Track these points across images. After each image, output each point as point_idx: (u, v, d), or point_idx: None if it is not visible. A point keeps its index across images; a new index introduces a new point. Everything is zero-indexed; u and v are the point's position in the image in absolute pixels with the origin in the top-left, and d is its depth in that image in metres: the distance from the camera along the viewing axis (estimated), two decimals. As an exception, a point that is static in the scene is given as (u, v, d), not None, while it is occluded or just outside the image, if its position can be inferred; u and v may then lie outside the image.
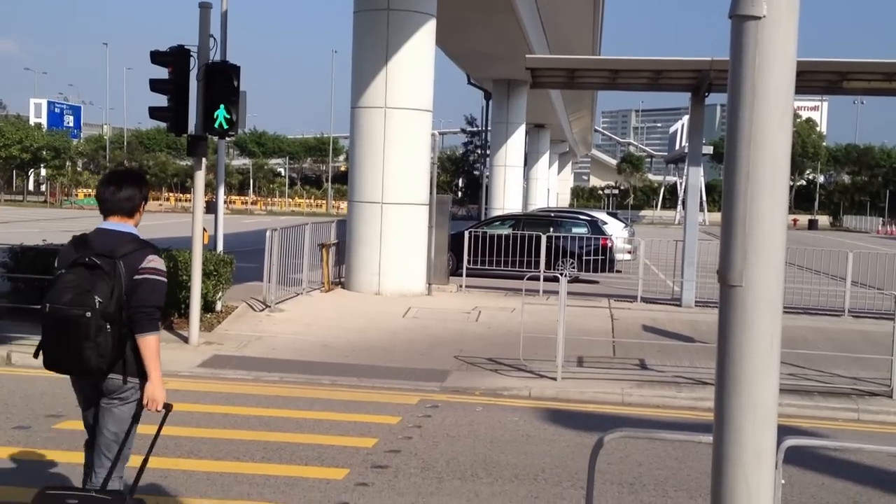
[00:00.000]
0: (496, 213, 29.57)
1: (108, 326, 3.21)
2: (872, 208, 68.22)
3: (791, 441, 3.12)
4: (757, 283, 2.00)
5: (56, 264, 3.40)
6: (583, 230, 17.25)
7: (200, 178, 9.12)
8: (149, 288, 3.35)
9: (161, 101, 8.73)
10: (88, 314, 3.17)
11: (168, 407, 3.48)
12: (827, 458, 5.75)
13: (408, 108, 13.06)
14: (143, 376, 3.41)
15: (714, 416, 2.12)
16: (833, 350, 9.35)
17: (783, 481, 2.81)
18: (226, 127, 8.63)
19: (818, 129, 74.90)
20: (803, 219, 63.85)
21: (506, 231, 16.54)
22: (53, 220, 34.04)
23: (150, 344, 3.36)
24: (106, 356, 3.23)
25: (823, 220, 66.58)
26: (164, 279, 3.45)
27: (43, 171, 61.21)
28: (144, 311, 3.34)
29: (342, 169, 70.41)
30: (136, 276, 3.33)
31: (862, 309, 12.53)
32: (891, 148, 74.66)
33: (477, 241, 15.43)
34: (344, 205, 35.42)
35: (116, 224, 3.45)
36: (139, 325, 3.33)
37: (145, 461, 3.44)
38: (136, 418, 3.47)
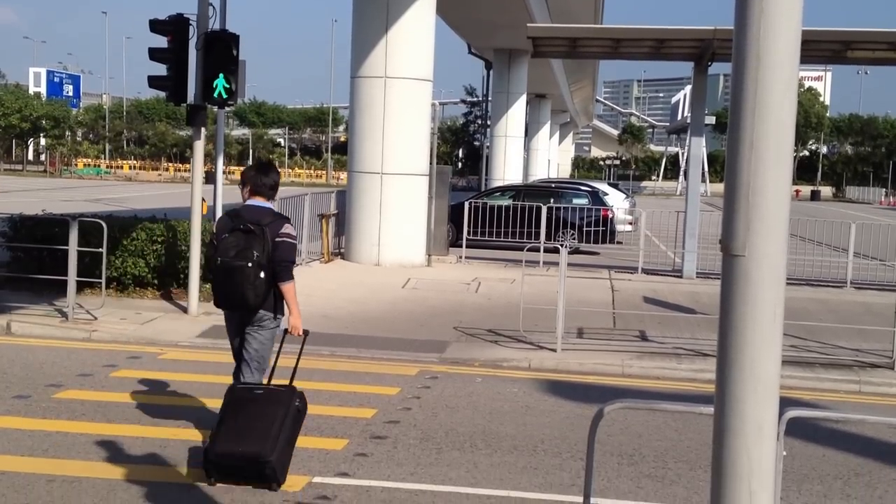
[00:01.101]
0: (496, 183, 29.43)
1: (262, 274, 4.40)
2: (875, 179, 67.91)
3: (793, 412, 3.10)
4: (760, 253, 1.99)
5: (215, 230, 4.70)
6: (583, 201, 17.16)
7: (200, 148, 9.03)
8: (285, 248, 4.52)
9: (160, 70, 8.63)
10: (249, 265, 4.37)
11: (306, 332, 4.62)
12: (828, 429, 5.76)
13: (408, 77, 12.89)
14: (279, 311, 4.61)
15: (715, 387, 2.11)
16: (835, 322, 9.34)
17: (784, 453, 2.79)
18: (225, 96, 8.52)
19: (821, 99, 74.22)
20: (806, 189, 63.59)
21: (506, 202, 16.45)
22: (53, 190, 33.93)
23: (289, 288, 4.55)
24: (261, 296, 4.43)
25: (826, 190, 66.32)
26: (296, 242, 4.66)
27: (42, 141, 60.88)
28: (284, 265, 4.50)
29: (342, 139, 70.00)
30: (276, 239, 4.48)
31: (864, 280, 12.51)
32: (894, 118, 74.05)
33: (477, 211, 15.35)
34: (344, 175, 35.24)
35: (260, 202, 4.65)
36: (280, 275, 4.50)
37: (295, 367, 4.70)
38: (272, 334, 4.64)
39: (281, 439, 4.26)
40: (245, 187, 4.68)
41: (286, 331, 4.62)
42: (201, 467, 4.41)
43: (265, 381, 4.63)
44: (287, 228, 4.57)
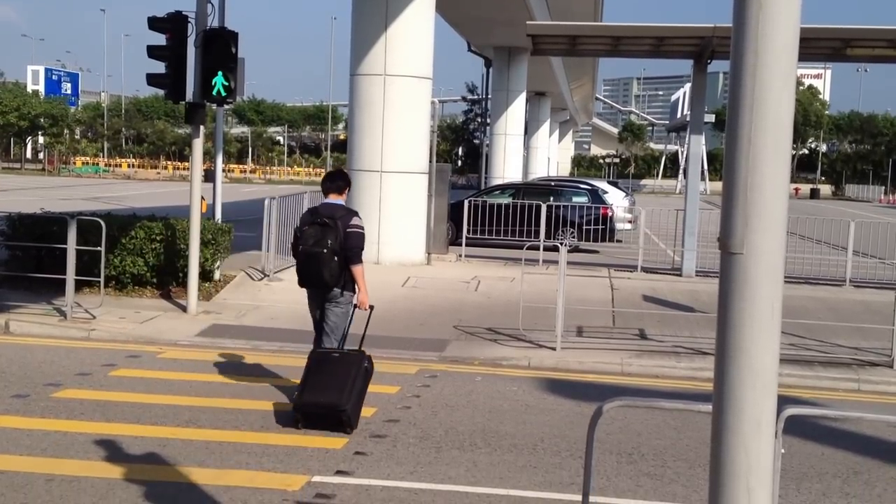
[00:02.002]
0: (496, 182, 29.41)
1: (335, 258, 5.41)
2: (875, 177, 67.89)
3: (791, 410, 3.09)
4: (758, 251, 1.99)
5: (299, 224, 5.70)
6: (583, 199, 17.14)
7: (199, 146, 9.01)
8: (355, 237, 5.52)
9: (159, 67, 8.61)
10: (324, 251, 5.39)
11: (372, 307, 5.61)
12: (827, 427, 5.76)
13: (407, 75, 12.87)
14: (350, 290, 5.58)
15: (714, 384, 2.11)
16: (834, 320, 9.34)
17: (783, 451, 2.79)
18: (224, 94, 8.50)
19: (821, 96, 74.18)
20: (805, 188, 63.57)
21: (506, 200, 16.43)
22: (51, 189, 33.89)
23: (358, 270, 5.54)
24: (334, 276, 5.46)
25: (825, 189, 66.30)
26: (363, 231, 5.59)
27: (41, 139, 60.82)
28: (353, 251, 5.51)
29: (341, 137, 69.93)
30: (347, 230, 5.49)
31: (863, 278, 12.50)
32: (894, 116, 74.02)
33: (477, 210, 15.33)
34: (343, 173, 35.19)
35: (333, 200, 5.69)
36: (350, 259, 5.51)
37: (363, 335, 5.69)
38: (347, 310, 5.63)
39: (354, 392, 5.26)
40: (322, 190, 5.85)
41: (355, 306, 5.62)
42: (290, 417, 5.36)
43: (340, 347, 5.63)
44: (356, 221, 5.57)
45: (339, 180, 5.78)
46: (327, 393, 5.22)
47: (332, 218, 5.48)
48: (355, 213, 5.64)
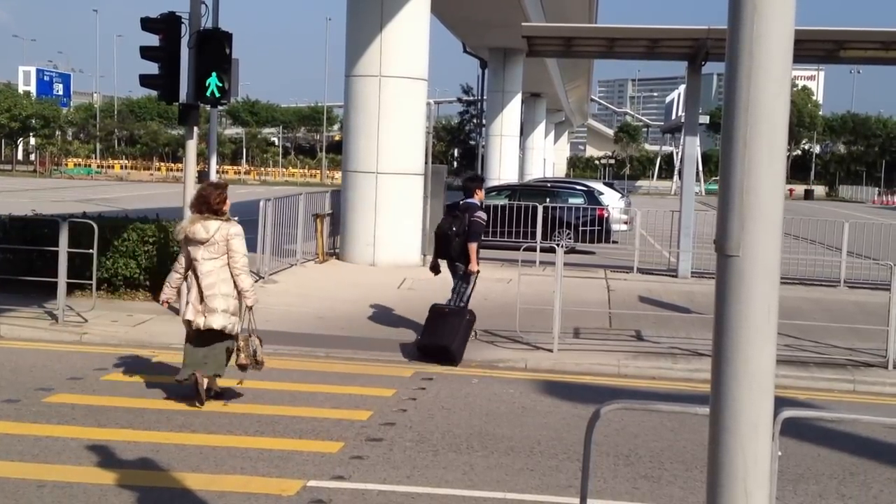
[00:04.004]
0: (492, 183, 29.37)
1: (457, 239, 7.61)
2: (868, 178, 68.18)
3: (788, 413, 3.07)
4: (754, 253, 1.99)
5: (444, 215, 8.86)
6: (579, 201, 17.14)
7: (192, 147, 8.96)
8: (475, 224, 7.68)
9: (152, 68, 8.56)
10: (450, 233, 7.66)
11: (478, 272, 7.79)
12: (823, 429, 5.75)
13: (403, 76, 12.84)
14: (467, 262, 7.68)
15: (711, 386, 2.11)
16: (829, 321, 9.34)
17: (780, 453, 2.77)
18: (218, 95, 8.46)
19: (814, 98, 74.46)
20: (799, 189, 63.77)
21: (502, 202, 16.41)
22: (43, 190, 33.73)
23: (472, 246, 7.61)
24: (456, 252, 7.67)
25: (819, 190, 66.54)
26: (483, 222, 7.73)
27: (32, 141, 60.53)
28: (472, 234, 7.63)
29: (336, 138, 69.81)
30: (471, 219, 7.66)
31: (858, 279, 12.53)
32: (887, 117, 74.37)
33: (472, 211, 15.29)
34: (338, 175, 35.18)
35: (470, 199, 7.83)
36: (468, 238, 7.62)
37: (469, 296, 7.86)
38: (468, 280, 7.78)
39: (459, 336, 7.28)
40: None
41: (477, 272, 7.77)
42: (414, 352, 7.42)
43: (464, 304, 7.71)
44: (479, 214, 7.70)
45: (473, 182, 8.11)
46: (439, 337, 7.28)
47: (463, 210, 7.74)
48: (480, 208, 7.78)
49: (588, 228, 16.30)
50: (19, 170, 56.09)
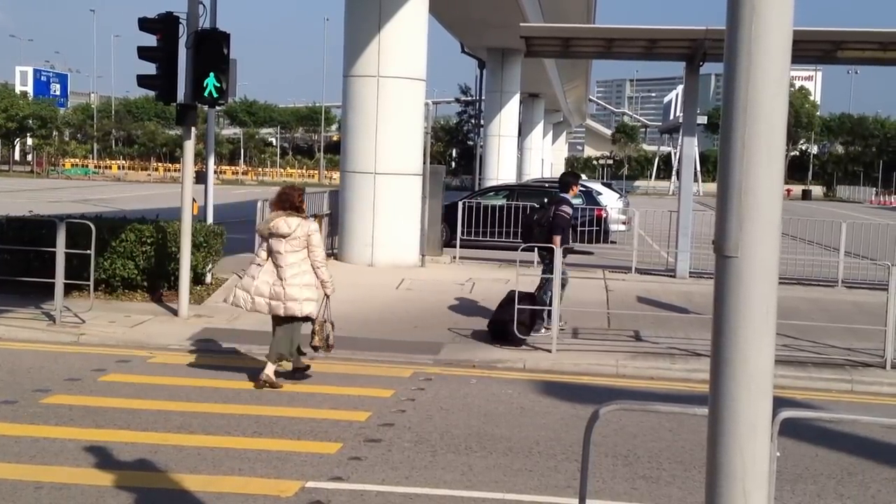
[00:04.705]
0: (490, 183, 29.39)
1: (540, 228, 8.41)
2: (866, 178, 68.29)
3: (787, 413, 3.07)
4: (752, 254, 1.99)
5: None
6: (577, 201, 17.10)
7: (190, 147, 8.95)
8: (559, 218, 8.32)
9: (149, 69, 8.55)
10: (532, 222, 8.62)
11: (564, 263, 8.24)
12: (821, 428, 5.75)
13: (401, 76, 12.83)
14: (550, 251, 8.17)
15: (709, 387, 2.11)
16: (827, 321, 9.35)
17: (778, 453, 2.77)
18: (215, 95, 8.45)
19: (812, 98, 74.57)
20: (797, 189, 63.83)
21: (500, 202, 16.40)
22: (40, 191, 33.67)
23: (556, 239, 8.20)
24: (540, 241, 8.43)
25: (817, 190, 66.62)
26: (568, 216, 8.40)
27: (29, 141, 60.41)
28: (556, 227, 8.30)
29: (334, 138, 69.80)
30: (556, 212, 8.33)
31: (856, 279, 12.53)
32: (885, 118, 74.50)
33: (471, 211, 15.30)
34: (336, 175, 35.14)
35: (564, 194, 8.54)
36: (553, 232, 8.29)
37: (545, 280, 8.46)
38: (552, 271, 8.02)
39: (525, 314, 7.95)
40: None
41: (550, 262, 8.31)
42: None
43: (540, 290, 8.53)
44: (564, 208, 8.35)
45: (571, 178, 8.85)
46: (500, 313, 8.11)
47: (551, 203, 8.57)
48: (567, 202, 8.43)
49: (586, 229, 16.29)
50: (16, 170, 55.98)
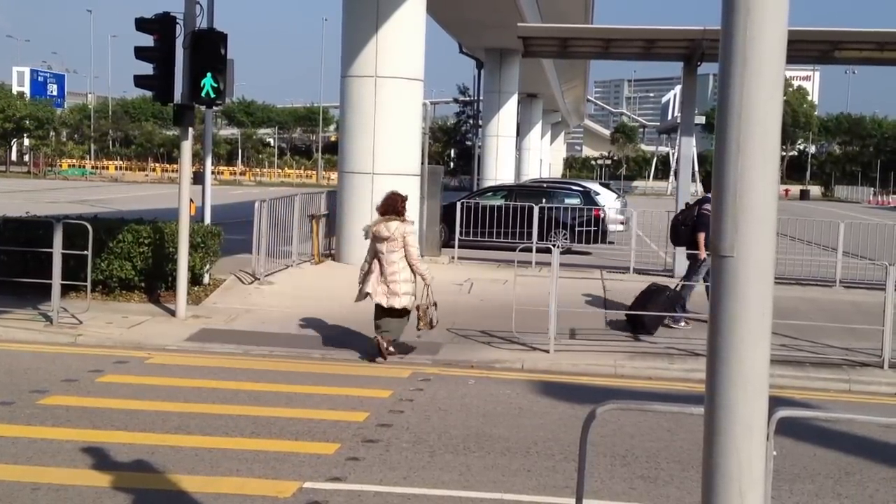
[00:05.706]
0: (488, 183, 29.38)
1: (683, 228, 9.13)
2: (864, 178, 68.36)
3: (783, 412, 3.06)
4: (748, 254, 2.01)
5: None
6: (575, 201, 17.14)
7: (187, 148, 8.94)
8: (703, 217, 8.50)
9: (147, 69, 8.53)
10: (676, 221, 9.34)
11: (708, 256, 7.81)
12: (819, 428, 5.76)
13: (398, 77, 12.82)
14: (696, 250, 8.81)
15: (706, 387, 2.12)
16: (824, 321, 9.35)
17: (775, 453, 2.77)
18: (213, 96, 8.44)
19: (810, 98, 74.67)
20: (795, 189, 63.93)
21: (498, 202, 16.40)
22: (37, 191, 33.62)
23: (701, 237, 8.52)
24: (684, 241, 9.24)
25: (815, 190, 66.69)
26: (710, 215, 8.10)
27: (26, 141, 60.31)
28: (700, 226, 8.54)
29: (332, 139, 69.74)
30: (700, 212, 8.50)
31: (853, 279, 12.55)
32: (882, 118, 74.59)
33: (469, 212, 15.30)
34: (334, 175, 35.12)
35: (707, 194, 8.53)
36: (697, 230, 8.68)
37: (685, 279, 9.18)
38: (696, 270, 8.96)
39: (657, 309, 8.52)
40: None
41: (695, 259, 8.86)
42: None
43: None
44: (707, 206, 8.02)
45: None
46: (636, 307, 8.60)
47: (696, 203, 8.83)
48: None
49: (584, 229, 16.30)
50: (13, 171, 55.88)
